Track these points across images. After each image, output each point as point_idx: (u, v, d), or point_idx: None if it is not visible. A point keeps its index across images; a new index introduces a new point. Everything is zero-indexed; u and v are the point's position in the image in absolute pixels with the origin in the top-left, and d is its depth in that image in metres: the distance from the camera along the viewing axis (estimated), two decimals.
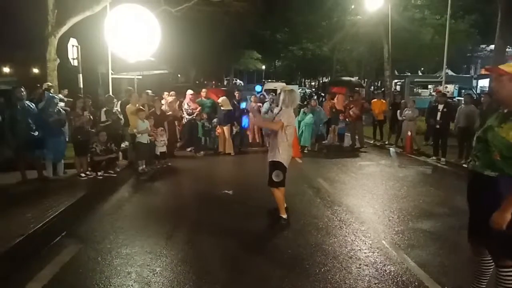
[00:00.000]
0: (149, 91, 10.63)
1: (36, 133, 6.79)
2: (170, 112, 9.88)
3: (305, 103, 12.77)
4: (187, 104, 10.72)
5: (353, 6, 23.25)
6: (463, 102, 10.05)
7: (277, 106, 5.53)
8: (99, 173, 7.51)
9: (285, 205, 5.31)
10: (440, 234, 4.86)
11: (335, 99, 12.51)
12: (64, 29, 10.61)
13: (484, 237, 2.77)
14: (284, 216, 5.25)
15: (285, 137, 5.05)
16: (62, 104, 8.05)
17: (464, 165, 8.11)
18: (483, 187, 2.76)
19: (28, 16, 14.99)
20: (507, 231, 2.62)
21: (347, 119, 12.01)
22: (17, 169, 6.85)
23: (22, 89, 6.79)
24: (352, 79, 28.15)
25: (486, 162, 2.71)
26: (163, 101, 10.22)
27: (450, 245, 4.41)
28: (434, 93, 12.51)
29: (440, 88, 14.31)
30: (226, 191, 6.84)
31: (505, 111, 2.70)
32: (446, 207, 5.95)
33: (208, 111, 10.99)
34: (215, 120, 10.75)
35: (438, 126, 9.45)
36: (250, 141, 11.64)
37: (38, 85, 8.52)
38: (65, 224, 5.07)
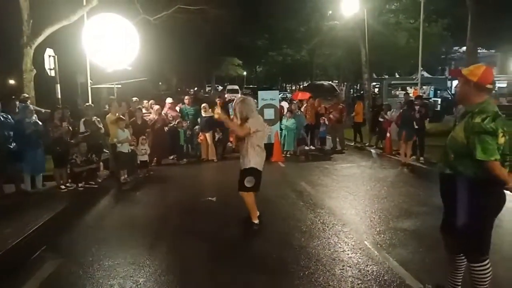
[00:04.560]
0: (135, 98, 10.60)
1: (13, 145, 6.64)
2: (156, 118, 9.81)
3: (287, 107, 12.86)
4: (164, 113, 10.65)
5: (330, 12, 23.63)
6: None
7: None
8: (79, 185, 7.39)
9: (258, 213, 5.24)
10: (420, 232, 4.99)
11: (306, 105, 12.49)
12: (40, 39, 10.44)
13: (454, 232, 2.91)
14: (256, 221, 5.19)
15: (255, 143, 4.96)
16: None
17: None
18: (447, 185, 2.94)
19: (2, 27, 14.67)
20: (474, 225, 2.76)
21: (327, 122, 12.19)
22: None
23: None
24: (324, 83, 28.33)
25: (446, 163, 2.93)
26: (144, 110, 10.13)
27: (429, 243, 4.52)
28: (412, 96, 12.82)
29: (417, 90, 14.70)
30: (209, 198, 6.83)
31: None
32: (425, 206, 6.09)
33: (191, 119, 10.94)
34: (197, 127, 10.72)
35: (416, 127, 9.68)
36: (233, 147, 11.65)
37: (13, 96, 8.31)
38: (45, 238, 4.96)
